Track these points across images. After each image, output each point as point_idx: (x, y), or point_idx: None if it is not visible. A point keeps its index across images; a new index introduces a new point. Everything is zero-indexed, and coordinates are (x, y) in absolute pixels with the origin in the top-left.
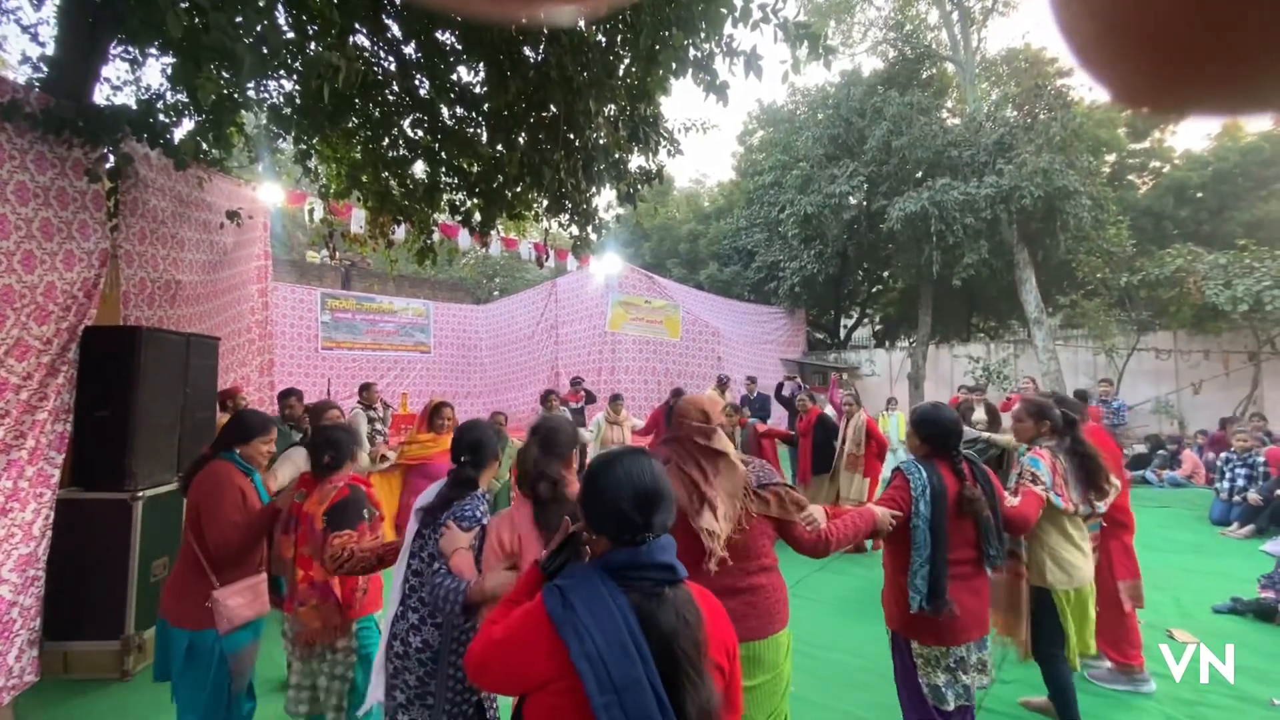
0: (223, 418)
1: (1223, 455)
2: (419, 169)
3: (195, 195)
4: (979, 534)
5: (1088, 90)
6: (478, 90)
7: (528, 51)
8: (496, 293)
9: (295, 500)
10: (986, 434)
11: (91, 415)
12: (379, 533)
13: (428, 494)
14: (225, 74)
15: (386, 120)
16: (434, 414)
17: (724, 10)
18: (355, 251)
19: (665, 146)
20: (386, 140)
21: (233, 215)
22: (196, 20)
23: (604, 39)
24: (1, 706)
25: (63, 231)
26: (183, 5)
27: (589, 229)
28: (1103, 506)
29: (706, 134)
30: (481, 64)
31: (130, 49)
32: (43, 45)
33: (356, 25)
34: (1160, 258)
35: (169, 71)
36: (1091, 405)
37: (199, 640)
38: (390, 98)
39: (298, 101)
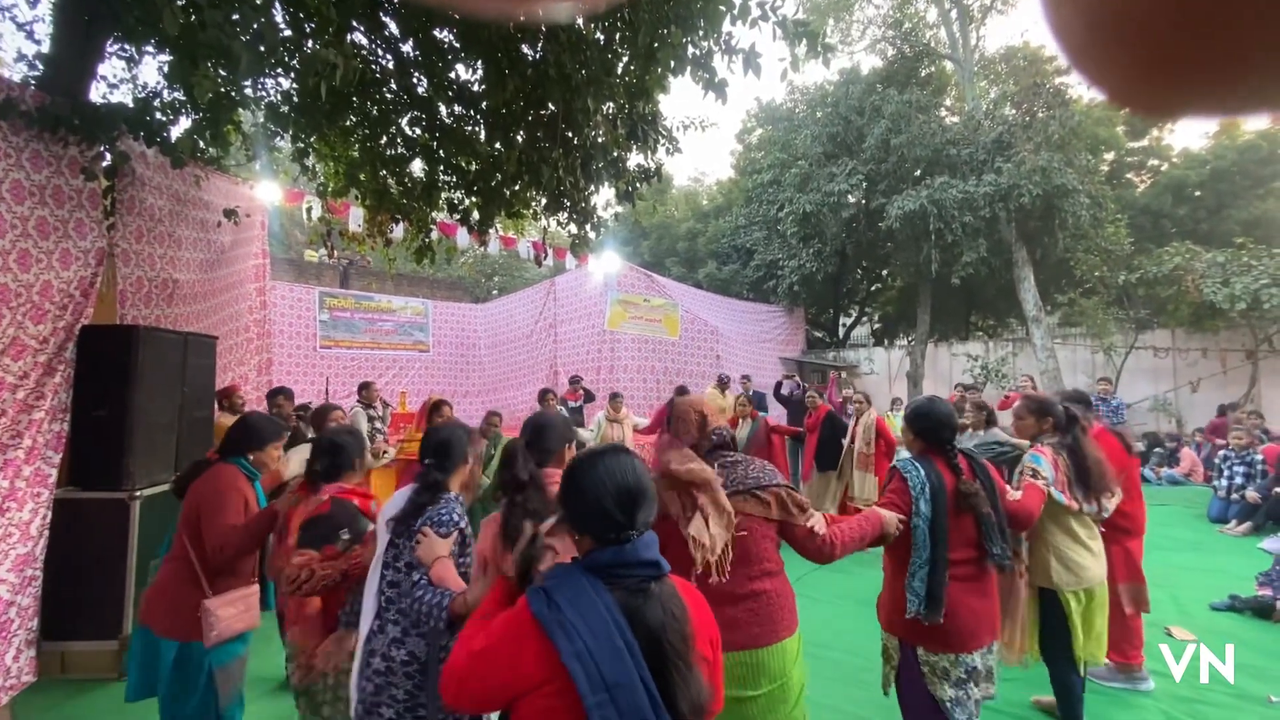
0: (221, 417)
1: (1220, 453)
2: (417, 167)
3: (192, 193)
4: (980, 532)
5: (1086, 89)
6: (476, 88)
7: (526, 49)
8: (495, 291)
9: (291, 505)
10: (1005, 436)
11: (89, 414)
12: (367, 551)
13: (396, 501)
14: (222, 72)
15: (384, 118)
16: (432, 412)
17: (722, 8)
18: (353, 250)
19: (664, 144)
20: (384, 138)
21: (230, 214)
22: (193, 18)
23: (602, 37)
24: None
25: (59, 230)
26: (179, 3)
27: (587, 227)
28: (1110, 506)
29: (705, 132)
30: (479, 62)
31: (127, 46)
32: (38, 43)
33: (354, 23)
34: (1158, 256)
35: (166, 69)
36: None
37: (188, 652)
38: (388, 96)
39: (295, 99)
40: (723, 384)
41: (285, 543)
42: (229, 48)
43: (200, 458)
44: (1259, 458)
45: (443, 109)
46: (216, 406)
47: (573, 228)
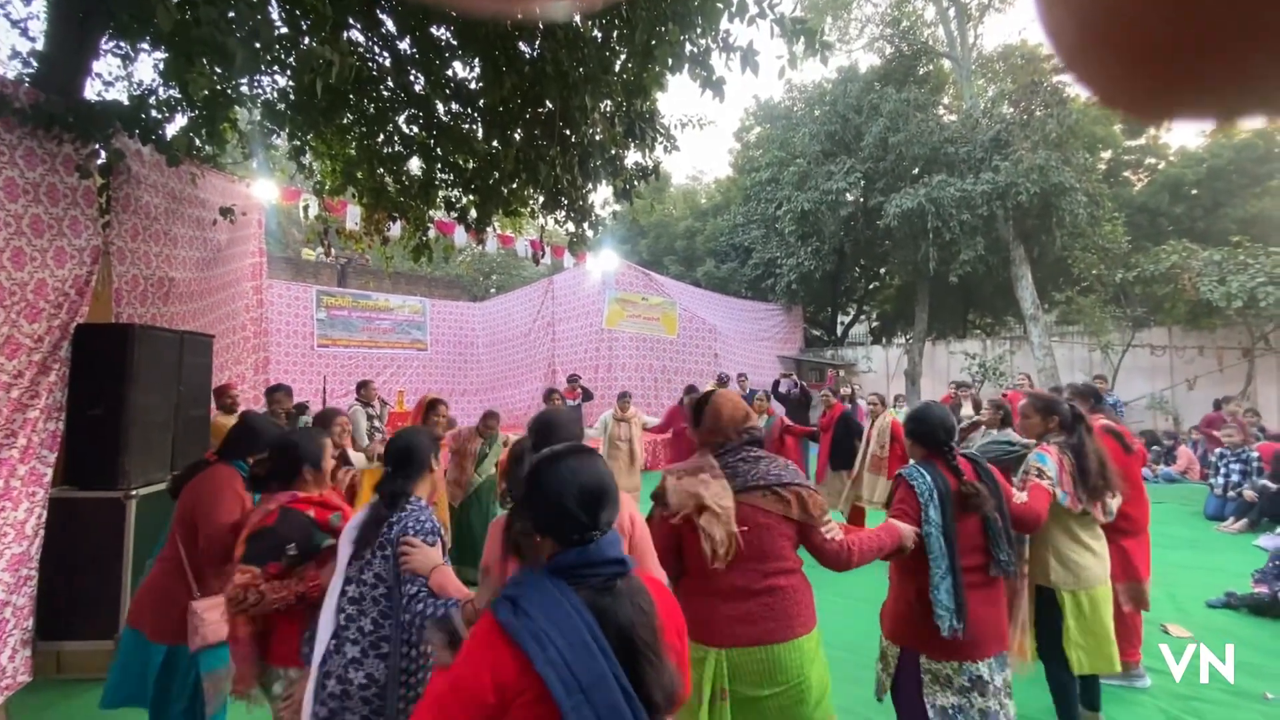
0: (217, 416)
1: (1217, 451)
2: (414, 165)
3: (188, 192)
4: (986, 537)
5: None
6: (473, 86)
7: (523, 47)
8: (493, 290)
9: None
10: (1017, 436)
11: (84, 413)
12: (327, 571)
13: (357, 517)
14: (217, 69)
15: (381, 116)
16: (428, 411)
17: (720, 5)
18: (351, 248)
19: (662, 142)
20: (381, 136)
21: (226, 212)
22: (188, 14)
23: (600, 34)
24: None
25: (53, 228)
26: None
27: (585, 226)
28: (1114, 507)
29: (703, 130)
30: (477, 59)
31: (121, 44)
32: (33, 40)
33: (350, 20)
34: (1155, 254)
35: (161, 66)
36: None
37: (175, 656)
38: (385, 93)
39: (291, 97)
40: (721, 383)
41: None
42: (224, 44)
43: (197, 458)
44: (1255, 455)
45: (440, 107)
46: (214, 405)
47: (570, 226)
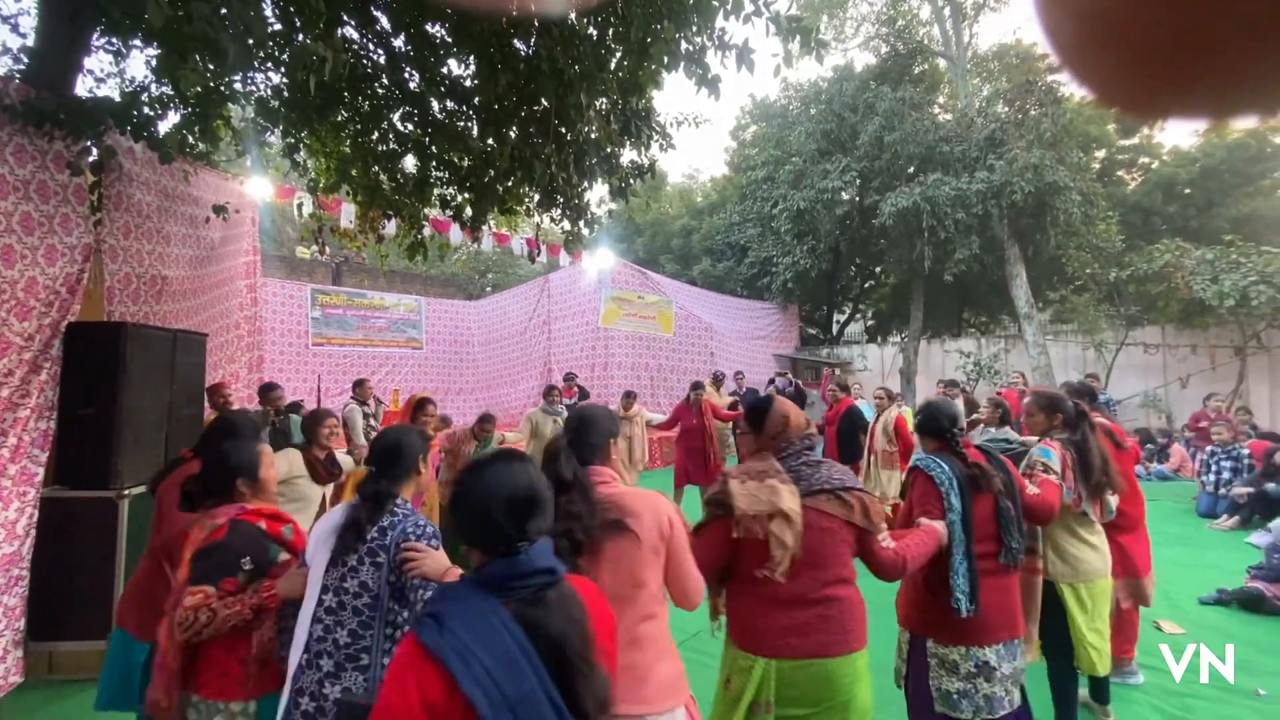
0: (210, 414)
1: (1208, 449)
2: (409, 163)
3: (181, 189)
4: (999, 526)
5: (1076, 88)
6: (468, 84)
7: (518, 44)
8: (489, 288)
9: (185, 529)
10: (1015, 435)
11: (76, 412)
12: (284, 582)
13: (333, 516)
14: (210, 66)
15: (376, 114)
16: (416, 410)
17: (715, 3)
18: (345, 247)
19: (657, 141)
20: (376, 134)
21: (220, 209)
22: (179, 10)
23: (595, 32)
24: None
25: (44, 225)
26: None
27: (581, 224)
28: (1114, 507)
29: (699, 128)
30: (472, 57)
31: (113, 40)
32: (23, 36)
33: (344, 17)
34: (1149, 253)
35: (153, 63)
36: None
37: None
38: (379, 91)
39: (285, 94)
40: (717, 381)
41: (179, 573)
42: (216, 41)
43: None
44: (1245, 452)
45: (435, 104)
46: (207, 404)
47: (566, 224)
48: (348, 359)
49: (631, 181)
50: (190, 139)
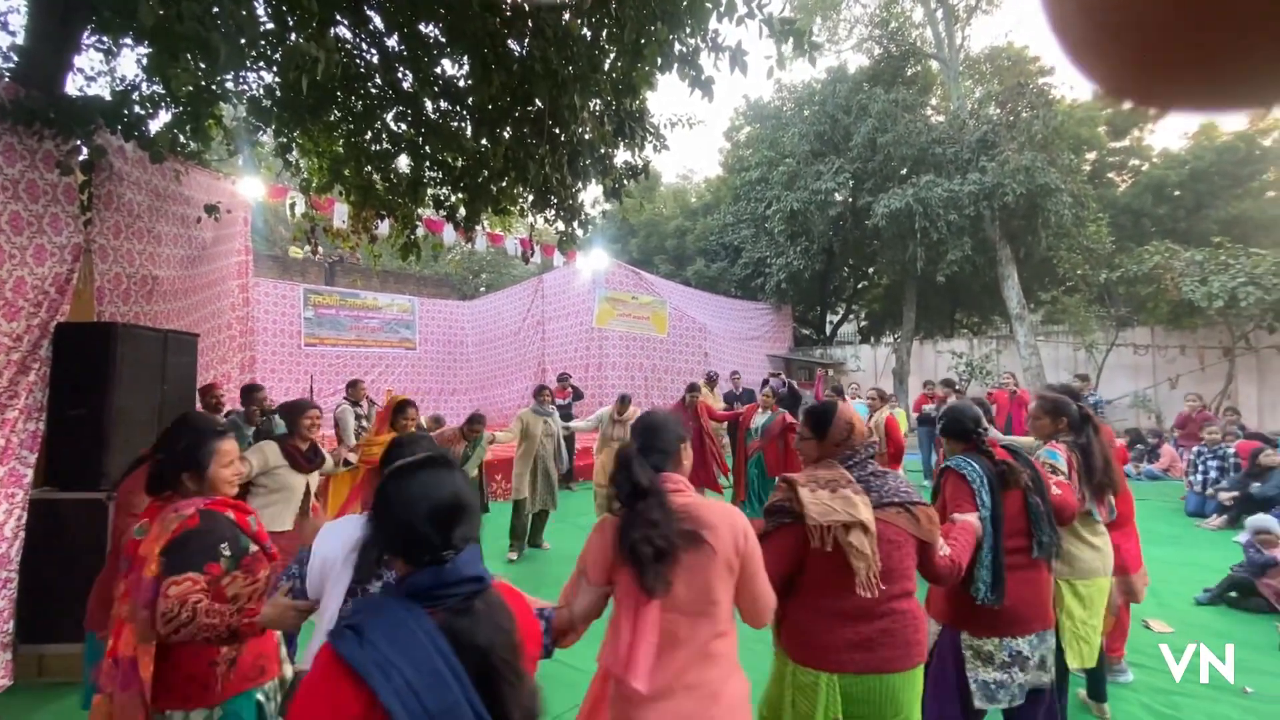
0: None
1: (1195, 449)
2: (402, 163)
3: (172, 189)
4: (1029, 520)
5: (1069, 89)
6: (462, 84)
7: (512, 45)
8: (482, 289)
9: (134, 537)
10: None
11: (65, 413)
12: (258, 575)
13: (336, 532)
14: (201, 65)
15: (369, 113)
16: (396, 413)
17: (709, 5)
18: (338, 247)
19: (651, 141)
20: (369, 134)
21: (211, 209)
22: (171, 9)
23: (589, 33)
24: None
25: (33, 225)
26: None
27: (575, 224)
28: (1114, 506)
29: (693, 129)
30: (465, 57)
31: (104, 39)
32: (13, 34)
33: (337, 16)
34: (1139, 255)
35: (144, 62)
36: None
37: None
38: (373, 90)
39: (277, 94)
40: (711, 381)
41: (131, 576)
42: (207, 40)
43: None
44: (1231, 452)
45: (428, 104)
46: (199, 404)
47: (560, 225)
48: (340, 359)
49: (625, 182)
50: (181, 138)
